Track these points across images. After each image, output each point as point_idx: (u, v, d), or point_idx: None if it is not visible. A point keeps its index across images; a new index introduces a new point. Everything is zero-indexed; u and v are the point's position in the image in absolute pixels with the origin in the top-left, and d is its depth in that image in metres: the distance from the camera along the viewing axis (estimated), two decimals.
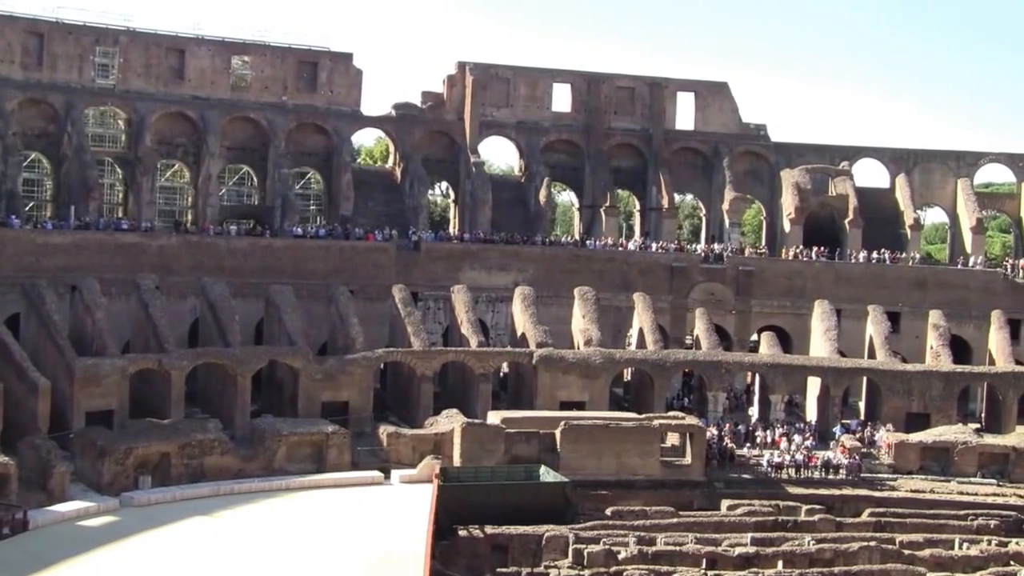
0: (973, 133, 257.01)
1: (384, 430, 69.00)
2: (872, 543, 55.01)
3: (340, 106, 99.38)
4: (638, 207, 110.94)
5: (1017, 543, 57.56)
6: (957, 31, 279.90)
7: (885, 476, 72.18)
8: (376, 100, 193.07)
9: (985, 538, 58.40)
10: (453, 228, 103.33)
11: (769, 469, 71.05)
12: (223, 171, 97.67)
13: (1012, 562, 54.05)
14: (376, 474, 64.94)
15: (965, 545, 56.96)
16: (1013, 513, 63.80)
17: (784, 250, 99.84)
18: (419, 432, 69.41)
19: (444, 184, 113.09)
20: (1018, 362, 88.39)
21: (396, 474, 65.03)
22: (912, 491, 69.57)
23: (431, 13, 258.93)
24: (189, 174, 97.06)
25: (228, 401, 72.46)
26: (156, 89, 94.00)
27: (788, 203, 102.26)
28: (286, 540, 52.32)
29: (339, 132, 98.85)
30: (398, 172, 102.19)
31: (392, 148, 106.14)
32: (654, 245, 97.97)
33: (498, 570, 49.99)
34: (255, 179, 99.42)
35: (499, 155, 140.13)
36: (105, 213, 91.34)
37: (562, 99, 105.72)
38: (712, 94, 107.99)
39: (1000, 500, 68.37)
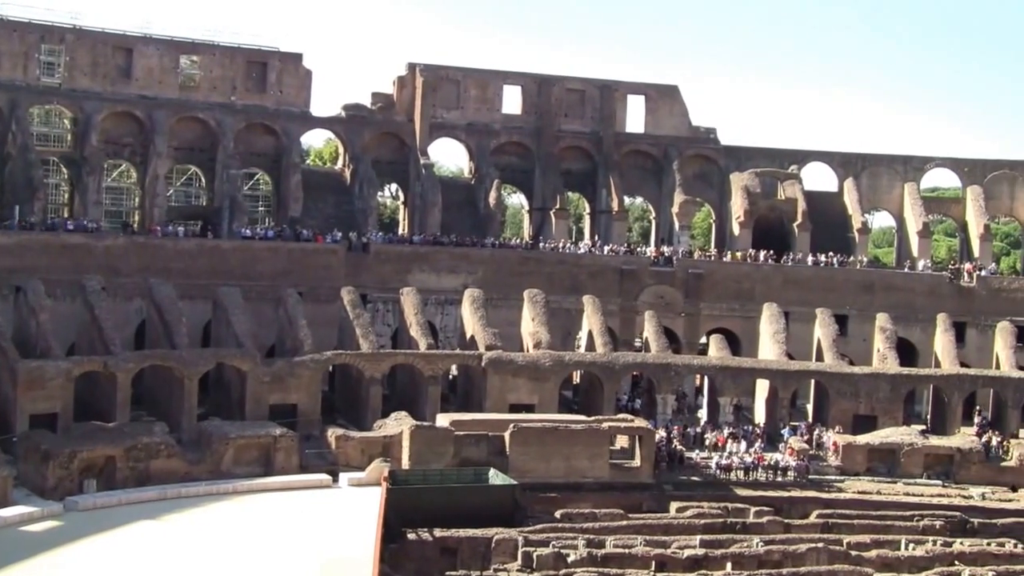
0: (920, 138, 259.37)
1: (332, 433, 68.57)
2: (820, 544, 55.26)
3: (289, 107, 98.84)
4: (588, 210, 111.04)
5: (961, 543, 58.03)
6: (905, 37, 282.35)
7: (833, 478, 72.57)
8: (326, 101, 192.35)
9: (931, 538, 58.82)
10: (403, 230, 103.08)
11: (718, 471, 71.27)
12: (171, 171, 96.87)
13: (957, 562, 54.45)
14: (324, 477, 64.56)
15: (911, 546, 57.36)
16: (958, 513, 64.30)
17: (733, 253, 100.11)
18: (368, 435, 69.03)
19: (394, 186, 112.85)
20: (963, 365, 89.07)
21: (344, 477, 64.66)
22: (859, 492, 69.97)
23: (381, 14, 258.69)
24: (136, 174, 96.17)
25: (175, 404, 71.77)
26: (103, 88, 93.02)
27: (737, 206, 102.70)
28: (233, 544, 51.91)
29: (288, 133, 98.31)
30: (347, 174, 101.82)
31: (342, 149, 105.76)
32: (604, 248, 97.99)
33: (447, 573, 49.86)
34: (203, 180, 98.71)
35: (449, 157, 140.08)
36: (50, 213, 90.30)
37: (512, 101, 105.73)
38: (662, 97, 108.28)
39: (945, 501, 68.89)
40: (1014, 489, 72.37)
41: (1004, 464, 74.78)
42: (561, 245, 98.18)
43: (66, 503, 56.86)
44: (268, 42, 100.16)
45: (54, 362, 68.05)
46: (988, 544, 58.21)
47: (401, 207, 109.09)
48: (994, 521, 64.13)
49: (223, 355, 74.73)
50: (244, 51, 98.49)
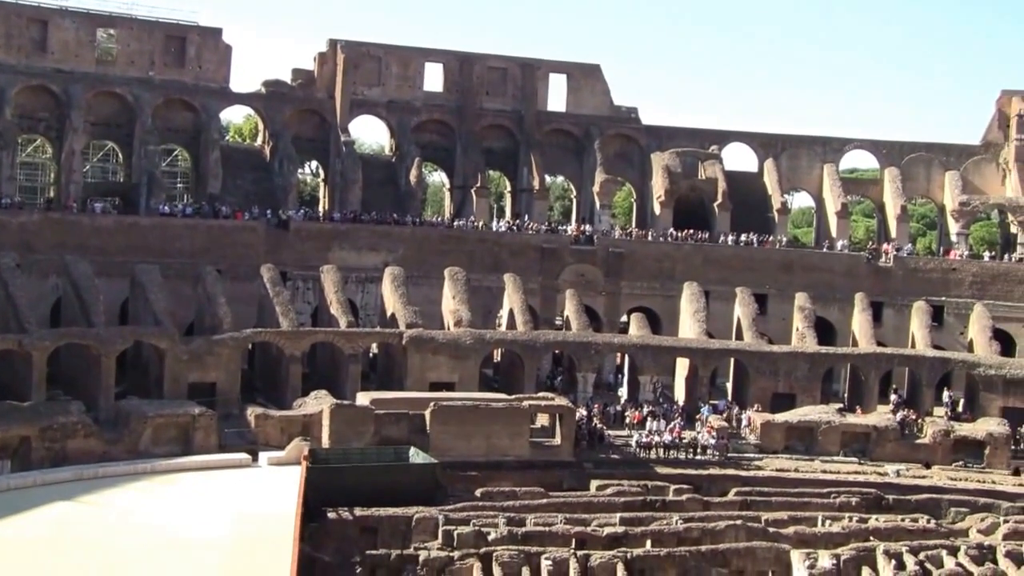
0: (839, 120, 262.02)
1: (252, 411, 68.08)
2: (738, 521, 55.69)
3: (208, 82, 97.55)
4: (509, 188, 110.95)
5: (877, 519, 58.75)
6: (824, 20, 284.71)
7: (751, 455, 73.30)
8: (246, 77, 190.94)
9: (847, 515, 59.47)
10: (323, 207, 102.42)
11: (638, 450, 71.67)
12: (87, 147, 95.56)
13: (872, 537, 55.09)
14: (244, 456, 64.04)
15: (828, 522, 57.99)
16: (873, 490, 65.09)
17: (654, 232, 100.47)
18: (288, 413, 68.64)
19: (314, 163, 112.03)
20: (880, 344, 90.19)
21: (264, 456, 64.19)
22: (777, 470, 70.69)
23: None
24: (52, 150, 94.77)
25: (92, 383, 70.88)
26: (17, 61, 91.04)
27: (658, 186, 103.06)
28: (152, 524, 51.34)
29: (207, 109, 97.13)
30: (267, 150, 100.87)
31: (261, 126, 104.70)
32: (525, 226, 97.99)
33: (367, 552, 49.72)
34: (120, 156, 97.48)
35: (370, 134, 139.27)
36: None
37: (434, 79, 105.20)
38: (584, 76, 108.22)
39: (861, 478, 69.91)
40: (928, 466, 73.46)
41: (918, 442, 75.82)
42: (482, 223, 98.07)
43: None
44: (187, 16, 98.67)
45: None
46: (902, 520, 59.00)
47: (321, 184, 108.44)
48: (908, 497, 65.06)
49: (141, 333, 73.95)
50: (163, 25, 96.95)
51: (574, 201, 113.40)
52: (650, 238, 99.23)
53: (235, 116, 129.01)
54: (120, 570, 45.31)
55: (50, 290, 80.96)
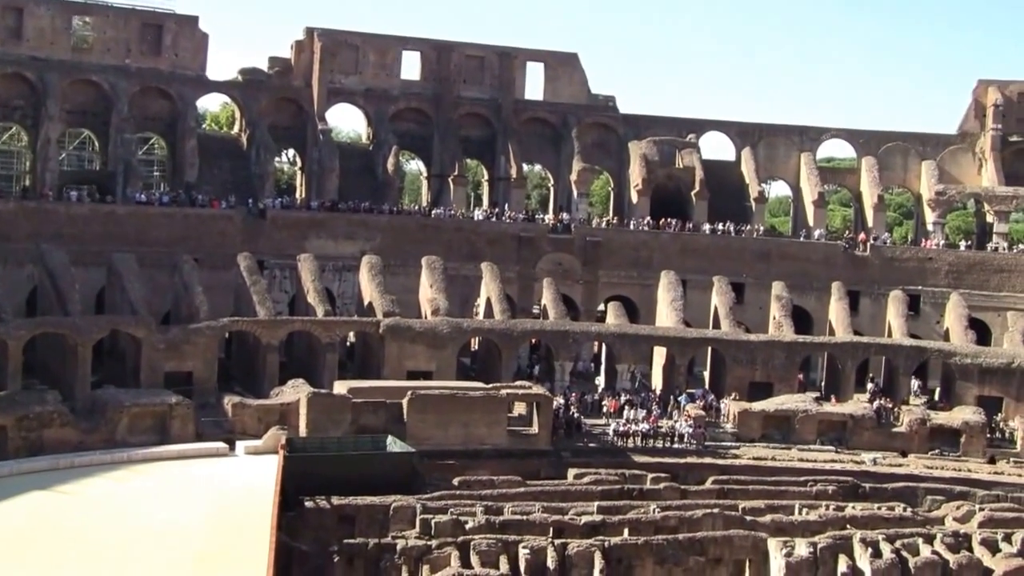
0: (816, 109, 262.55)
1: (229, 400, 67.89)
2: (715, 510, 55.69)
3: (185, 70, 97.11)
4: (486, 177, 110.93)
5: (853, 507, 58.88)
6: (802, 10, 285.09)
7: (729, 444, 73.50)
8: (222, 65, 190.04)
9: (823, 503, 59.59)
10: (300, 196, 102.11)
11: (615, 438, 71.74)
12: (63, 135, 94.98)
13: (848, 526, 55.22)
14: (221, 445, 63.73)
15: (805, 510, 58.07)
16: (849, 478, 65.24)
17: (631, 221, 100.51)
18: (264, 402, 68.46)
19: (291, 151, 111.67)
20: (856, 333, 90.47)
21: (241, 445, 63.92)
22: (754, 459, 70.99)
23: None
24: (27, 138, 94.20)
25: (68, 372, 70.63)
26: None
27: (635, 174, 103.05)
28: (128, 514, 51.12)
29: (184, 97, 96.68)
30: (244, 139, 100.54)
31: (238, 114, 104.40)
32: (502, 215, 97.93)
33: (345, 541, 49.57)
34: (96, 144, 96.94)
35: (347, 123, 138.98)
36: None
37: (411, 67, 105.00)
38: (561, 65, 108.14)
39: (838, 466, 70.27)
40: (904, 454, 73.77)
41: (895, 430, 76.18)
42: (459, 212, 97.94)
43: None
44: (163, 4, 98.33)
45: None
46: (879, 508, 59.11)
47: (298, 173, 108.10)
48: (885, 486, 65.29)
49: (117, 322, 73.68)
50: (139, 13, 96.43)
51: (551, 190, 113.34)
52: (632, 227, 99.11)
53: (212, 104, 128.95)
54: (97, 560, 45.08)
55: (26, 279, 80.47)
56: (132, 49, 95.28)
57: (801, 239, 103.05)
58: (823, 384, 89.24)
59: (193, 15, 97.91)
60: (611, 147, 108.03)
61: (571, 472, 64.22)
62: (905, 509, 59.66)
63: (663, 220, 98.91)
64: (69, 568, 43.84)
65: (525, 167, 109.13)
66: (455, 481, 59.80)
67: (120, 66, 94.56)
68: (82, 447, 61.21)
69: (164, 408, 64.41)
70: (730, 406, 77.40)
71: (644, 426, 72.75)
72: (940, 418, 77.11)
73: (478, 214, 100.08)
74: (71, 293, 74.17)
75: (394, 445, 61.59)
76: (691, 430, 72.70)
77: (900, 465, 71.91)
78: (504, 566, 47.16)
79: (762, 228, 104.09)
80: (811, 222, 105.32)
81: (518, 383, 74.57)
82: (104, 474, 57.87)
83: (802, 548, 50.41)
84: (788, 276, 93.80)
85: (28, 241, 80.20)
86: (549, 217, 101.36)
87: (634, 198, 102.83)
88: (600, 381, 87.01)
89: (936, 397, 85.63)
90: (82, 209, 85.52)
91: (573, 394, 77.96)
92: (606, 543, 49.77)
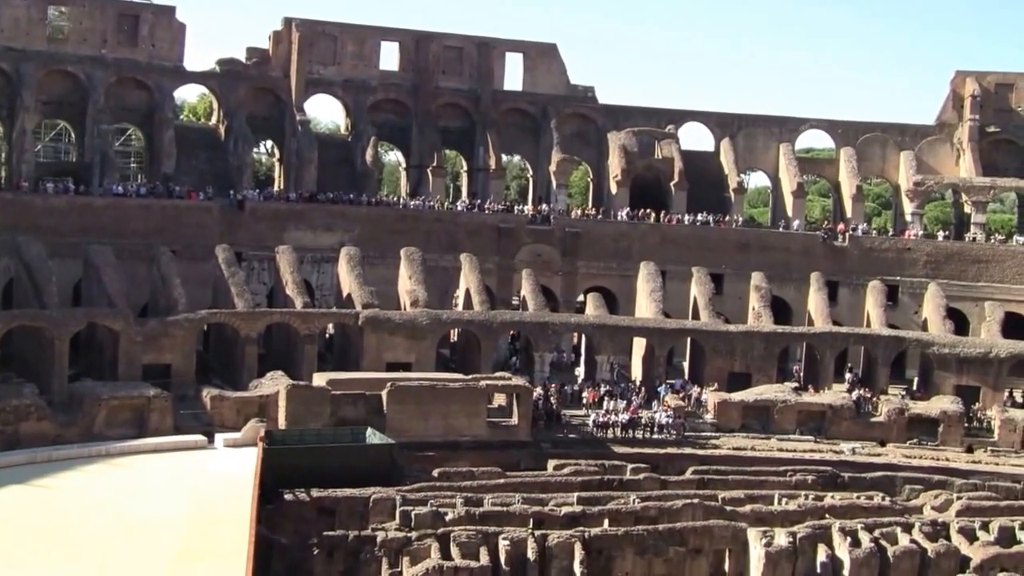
0: (795, 100, 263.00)
1: (208, 393, 67.69)
2: (695, 500, 55.74)
3: (162, 61, 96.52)
4: (465, 167, 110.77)
5: (832, 497, 59.01)
6: (779, 0, 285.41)
7: (708, 434, 73.60)
8: (200, 55, 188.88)
9: (803, 493, 59.71)
10: (278, 187, 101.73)
11: (595, 429, 71.75)
12: (39, 126, 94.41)
13: (827, 515, 55.31)
14: (200, 438, 63.68)
15: (784, 500, 58.18)
16: (828, 468, 65.45)
17: (610, 211, 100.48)
18: (243, 395, 68.26)
19: (269, 142, 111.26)
20: (835, 323, 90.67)
21: (220, 438, 63.86)
22: (734, 449, 71.23)
23: None
24: (3, 129, 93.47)
25: (45, 365, 70.24)
26: None
27: (615, 165, 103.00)
28: (106, 508, 50.97)
29: (161, 88, 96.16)
30: (222, 130, 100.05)
31: (216, 105, 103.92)
32: (481, 206, 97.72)
33: (325, 533, 49.44)
34: (73, 135, 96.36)
35: (325, 113, 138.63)
36: None
37: (390, 58, 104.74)
38: (540, 55, 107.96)
39: (817, 456, 70.51)
40: (882, 444, 74.07)
41: (873, 420, 76.46)
42: (438, 203, 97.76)
43: None
44: None
45: None
46: (857, 497, 59.23)
47: (277, 164, 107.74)
48: (863, 475, 65.44)
49: (95, 315, 73.31)
50: (115, 3, 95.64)
51: (531, 181, 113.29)
52: (614, 217, 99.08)
53: (189, 95, 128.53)
54: (75, 555, 44.92)
55: (1, 272, 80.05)
56: (108, 39, 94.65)
57: (780, 230, 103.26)
58: (802, 374, 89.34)
59: (170, 5, 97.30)
60: (590, 138, 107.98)
61: (551, 463, 64.13)
62: (884, 498, 59.86)
63: (642, 211, 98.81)
64: (47, 564, 43.64)
65: (504, 158, 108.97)
66: (435, 473, 59.67)
67: (96, 57, 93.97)
68: (59, 441, 61.01)
69: (142, 401, 64.24)
70: (709, 396, 77.49)
71: (624, 417, 72.75)
72: (918, 408, 77.46)
73: (457, 205, 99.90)
74: (48, 286, 73.76)
75: (373, 437, 61.45)
76: (670, 420, 72.76)
77: (879, 455, 72.20)
78: (484, 558, 47.08)
79: (741, 219, 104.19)
80: (790, 213, 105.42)
81: (498, 374, 74.53)
82: (82, 468, 57.76)
83: (781, 538, 50.49)
84: (767, 266, 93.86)
85: (4, 233, 79.66)
86: (528, 208, 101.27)
87: (613, 189, 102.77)
88: (580, 372, 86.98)
89: (914, 387, 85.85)
90: (59, 201, 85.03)
91: (553, 385, 77.96)
92: (586, 534, 49.73)
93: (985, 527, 53.81)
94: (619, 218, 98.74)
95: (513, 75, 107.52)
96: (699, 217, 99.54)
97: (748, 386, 79.33)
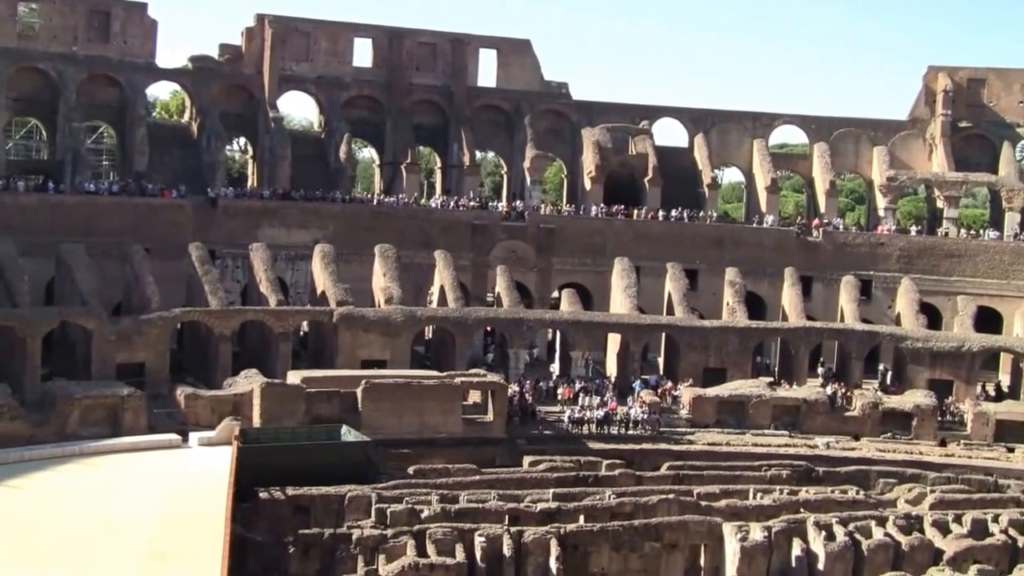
0: (769, 95, 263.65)
1: (182, 392, 67.39)
2: (671, 495, 55.84)
3: (134, 58, 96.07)
4: (439, 164, 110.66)
5: (807, 491, 59.24)
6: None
7: (683, 430, 73.72)
8: (172, 52, 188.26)
9: (777, 487, 59.91)
10: (251, 184, 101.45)
11: (570, 425, 71.80)
12: (9, 124, 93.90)
13: (802, 509, 55.54)
14: (174, 437, 63.32)
15: (759, 495, 58.37)
16: (803, 463, 65.66)
17: (584, 208, 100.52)
18: (218, 393, 67.99)
19: (242, 140, 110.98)
20: (809, 318, 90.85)
21: (194, 436, 63.50)
22: (709, 444, 71.36)
23: None
24: None
25: (17, 364, 69.83)
26: None
27: (589, 161, 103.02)
28: (80, 507, 50.68)
29: (133, 85, 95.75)
30: (195, 127, 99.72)
31: (188, 102, 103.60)
32: (455, 202, 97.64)
33: (300, 531, 49.37)
34: (44, 132, 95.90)
35: (299, 110, 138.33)
36: None
37: (363, 54, 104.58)
38: (514, 52, 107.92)
39: (792, 451, 70.76)
40: (856, 438, 74.36)
41: (847, 414, 76.79)
42: (412, 200, 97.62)
43: None
44: None
45: None
46: (832, 491, 59.53)
47: (250, 161, 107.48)
48: (837, 469, 65.65)
49: (67, 313, 72.94)
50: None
51: (505, 177, 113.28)
52: (589, 214, 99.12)
53: (161, 92, 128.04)
54: (49, 554, 44.65)
55: None
56: (79, 36, 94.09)
57: (754, 225, 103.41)
58: (776, 369, 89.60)
59: (142, 2, 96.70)
60: (564, 134, 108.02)
61: (526, 460, 64.21)
62: (858, 492, 60.13)
63: (617, 207, 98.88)
64: (20, 564, 43.38)
65: (478, 154, 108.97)
66: (410, 470, 59.69)
67: (67, 53, 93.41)
68: (32, 441, 60.56)
69: (116, 400, 63.89)
70: (684, 392, 77.64)
71: (599, 413, 72.81)
72: (892, 402, 77.87)
73: (431, 202, 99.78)
74: (19, 284, 73.33)
75: (348, 435, 61.37)
76: (645, 416, 72.86)
77: (853, 449, 72.49)
78: (460, 554, 47.09)
79: (715, 214, 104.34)
80: (764, 208, 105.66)
81: (472, 371, 74.47)
82: (55, 468, 57.35)
83: (757, 532, 50.65)
84: (741, 262, 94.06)
85: None
86: (502, 204, 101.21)
87: (587, 185, 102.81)
88: (555, 368, 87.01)
89: (888, 381, 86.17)
90: (30, 199, 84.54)
91: (528, 381, 77.98)
92: (562, 530, 49.79)
93: (958, 520, 54.11)
94: (593, 214, 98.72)
95: (487, 71, 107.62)
96: (673, 213, 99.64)
97: (723, 381, 79.55)
